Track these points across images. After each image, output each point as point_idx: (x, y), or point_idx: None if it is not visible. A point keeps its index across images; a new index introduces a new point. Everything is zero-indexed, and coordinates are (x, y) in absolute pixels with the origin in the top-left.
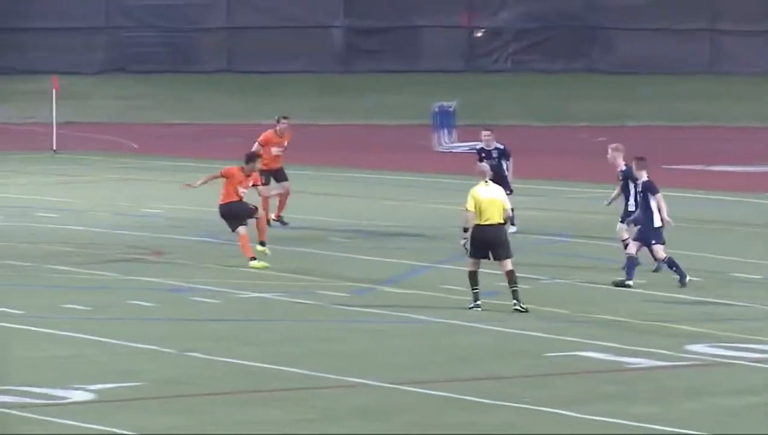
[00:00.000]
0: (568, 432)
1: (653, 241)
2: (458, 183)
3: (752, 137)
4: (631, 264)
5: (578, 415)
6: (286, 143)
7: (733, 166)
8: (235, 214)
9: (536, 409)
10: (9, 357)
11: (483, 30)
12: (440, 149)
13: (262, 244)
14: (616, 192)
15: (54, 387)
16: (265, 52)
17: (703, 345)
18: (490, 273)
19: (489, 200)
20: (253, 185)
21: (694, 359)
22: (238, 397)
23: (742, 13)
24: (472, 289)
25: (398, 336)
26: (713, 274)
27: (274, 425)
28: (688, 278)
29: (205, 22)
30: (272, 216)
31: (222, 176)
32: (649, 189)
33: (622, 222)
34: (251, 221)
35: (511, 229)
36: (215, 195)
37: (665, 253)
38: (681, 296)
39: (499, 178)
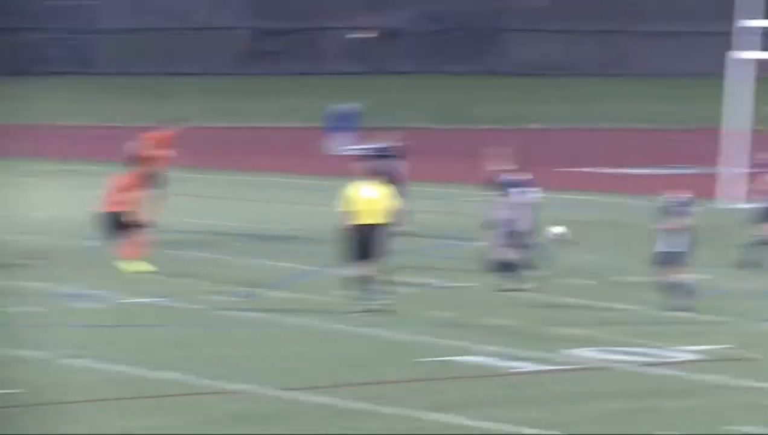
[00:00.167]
0: None
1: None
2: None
3: (641, 138)
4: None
5: (465, 422)
6: (170, 147)
7: (628, 169)
8: (121, 219)
9: (420, 415)
10: None
11: (378, 31)
12: (337, 152)
13: (144, 250)
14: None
15: None
16: (168, 54)
17: (587, 349)
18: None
19: (368, 200)
20: (138, 189)
21: (579, 363)
22: (120, 404)
23: (639, 15)
24: (359, 293)
25: (283, 341)
26: (600, 276)
27: (158, 432)
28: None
29: (106, 23)
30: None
31: (126, 183)
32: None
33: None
34: (136, 226)
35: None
36: (97, 198)
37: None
38: (567, 300)
39: (393, 179)
